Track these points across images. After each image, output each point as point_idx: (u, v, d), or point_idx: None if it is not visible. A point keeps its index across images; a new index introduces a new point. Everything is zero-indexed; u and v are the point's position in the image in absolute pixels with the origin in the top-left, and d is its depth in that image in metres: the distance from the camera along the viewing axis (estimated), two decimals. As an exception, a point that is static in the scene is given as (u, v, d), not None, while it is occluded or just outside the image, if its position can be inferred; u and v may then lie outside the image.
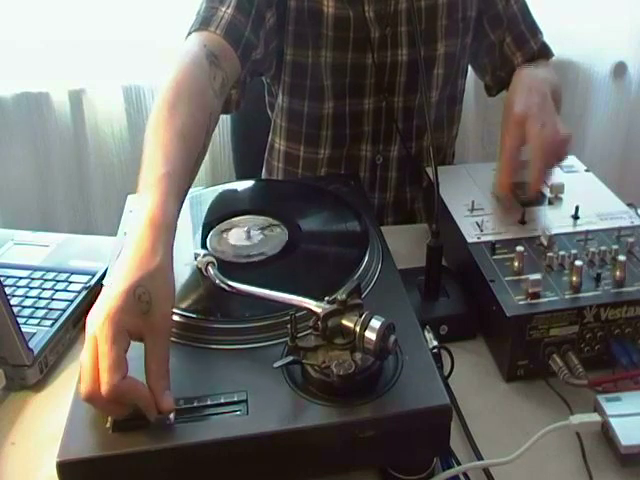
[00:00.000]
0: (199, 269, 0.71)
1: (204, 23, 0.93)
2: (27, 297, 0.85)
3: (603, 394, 0.69)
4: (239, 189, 1.00)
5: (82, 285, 0.87)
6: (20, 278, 0.88)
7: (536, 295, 0.73)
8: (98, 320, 0.57)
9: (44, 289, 0.86)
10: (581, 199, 0.88)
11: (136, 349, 0.58)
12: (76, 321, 0.83)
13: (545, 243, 0.81)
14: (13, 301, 0.83)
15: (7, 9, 1.55)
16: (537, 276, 0.74)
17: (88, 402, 0.57)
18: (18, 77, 1.62)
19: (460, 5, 1.06)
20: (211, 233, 0.81)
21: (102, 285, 0.70)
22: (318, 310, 0.60)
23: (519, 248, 0.78)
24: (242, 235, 0.80)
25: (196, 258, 0.71)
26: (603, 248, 0.79)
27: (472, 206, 0.89)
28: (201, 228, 0.82)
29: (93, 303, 0.60)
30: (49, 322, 0.81)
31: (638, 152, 1.88)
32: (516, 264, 0.78)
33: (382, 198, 1.17)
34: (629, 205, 0.89)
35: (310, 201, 0.89)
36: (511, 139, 0.89)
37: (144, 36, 1.60)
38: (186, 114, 0.77)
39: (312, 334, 0.60)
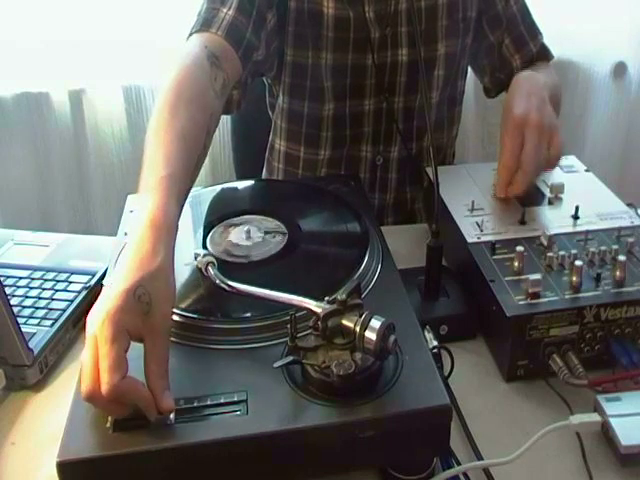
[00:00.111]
0: (199, 269, 0.71)
1: (205, 24, 0.93)
2: (27, 297, 0.85)
3: (603, 394, 0.69)
4: (239, 189, 1.00)
5: (82, 285, 0.87)
6: (20, 278, 0.88)
7: (536, 295, 0.73)
8: (98, 320, 0.57)
9: (44, 289, 0.86)
10: (581, 199, 0.88)
11: (136, 349, 0.58)
12: (76, 321, 0.83)
13: (545, 243, 0.81)
14: (13, 301, 0.83)
15: (7, 9, 1.55)
16: (537, 276, 0.74)
17: (88, 402, 0.57)
18: (18, 77, 1.62)
19: (460, 5, 1.06)
20: (211, 233, 0.81)
21: (102, 285, 0.70)
22: (318, 310, 0.60)
23: (519, 248, 0.78)
24: (242, 235, 0.80)
25: (196, 258, 0.71)
26: (603, 248, 0.79)
27: (472, 206, 0.89)
28: (201, 228, 0.82)
29: (93, 303, 0.60)
30: (49, 322, 0.81)
31: (638, 152, 1.88)
32: (516, 264, 0.78)
33: (382, 199, 1.17)
34: (629, 205, 0.89)
35: (310, 201, 0.89)
36: (511, 141, 0.88)
37: (144, 36, 1.60)
38: (187, 115, 0.77)
39: (312, 334, 0.60)
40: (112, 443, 0.56)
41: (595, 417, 0.67)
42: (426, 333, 0.75)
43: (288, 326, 0.60)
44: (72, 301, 0.84)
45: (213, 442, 0.56)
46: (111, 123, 1.69)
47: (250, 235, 0.79)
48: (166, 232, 0.64)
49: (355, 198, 0.88)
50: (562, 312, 0.72)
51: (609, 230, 0.83)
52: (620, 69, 1.78)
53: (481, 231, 0.85)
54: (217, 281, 0.69)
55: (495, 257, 0.80)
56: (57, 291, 0.86)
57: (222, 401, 0.59)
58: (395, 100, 1.09)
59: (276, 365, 0.60)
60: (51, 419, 0.72)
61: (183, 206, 0.71)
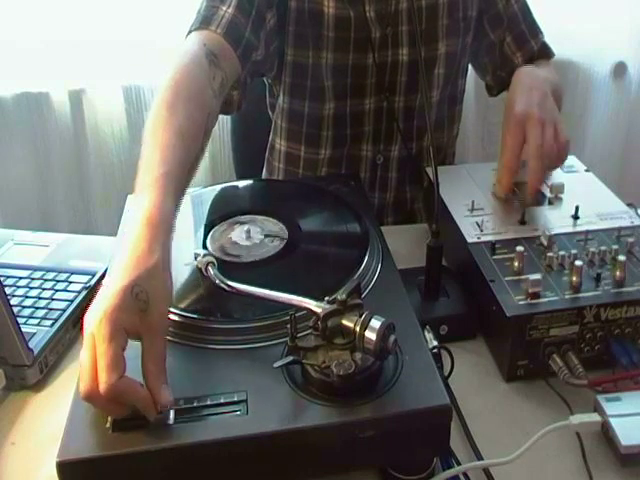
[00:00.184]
0: (199, 269, 0.71)
1: (204, 22, 0.93)
2: (27, 297, 0.85)
3: (603, 394, 0.69)
4: (239, 189, 1.00)
5: (82, 285, 0.87)
6: (20, 278, 0.88)
7: (536, 295, 0.73)
8: (95, 319, 0.57)
9: (44, 289, 0.86)
10: (581, 199, 0.88)
11: (134, 349, 0.58)
12: (76, 321, 0.83)
13: (545, 243, 0.81)
14: (13, 301, 0.83)
15: (7, 9, 1.55)
16: (537, 276, 0.74)
17: (87, 401, 0.57)
18: (18, 77, 1.62)
19: (461, 4, 1.06)
20: (211, 233, 0.81)
21: (102, 285, 0.70)
22: (318, 310, 0.60)
23: (519, 248, 0.78)
24: (242, 235, 0.80)
25: (196, 258, 0.71)
26: (603, 248, 0.79)
27: (472, 206, 0.89)
28: (201, 228, 0.82)
29: (93, 303, 0.60)
30: (49, 322, 0.81)
31: (638, 152, 1.88)
32: (516, 264, 0.78)
33: (382, 198, 1.17)
34: (629, 205, 0.89)
35: (310, 201, 0.89)
36: (512, 139, 0.89)
37: (144, 36, 1.60)
38: (185, 114, 0.77)
39: (312, 334, 0.60)
40: (112, 443, 0.56)
41: (595, 417, 0.67)
42: (426, 333, 0.75)
43: (288, 326, 0.60)
44: (72, 301, 0.84)
45: (213, 442, 0.56)
46: (111, 123, 1.69)
47: (250, 235, 0.79)
48: (162, 230, 0.64)
49: (355, 198, 0.88)
50: (562, 312, 0.72)
51: (609, 230, 0.83)
52: (620, 69, 1.78)
53: (481, 231, 0.85)
54: (217, 281, 0.69)
55: (495, 257, 0.80)
56: (57, 291, 0.86)
57: (222, 401, 0.59)
58: (396, 99, 1.09)
59: (276, 365, 0.60)
60: (51, 419, 0.72)
61: (180, 205, 0.70)
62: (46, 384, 0.78)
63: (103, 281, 0.67)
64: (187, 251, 0.75)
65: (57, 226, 1.73)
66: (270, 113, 1.20)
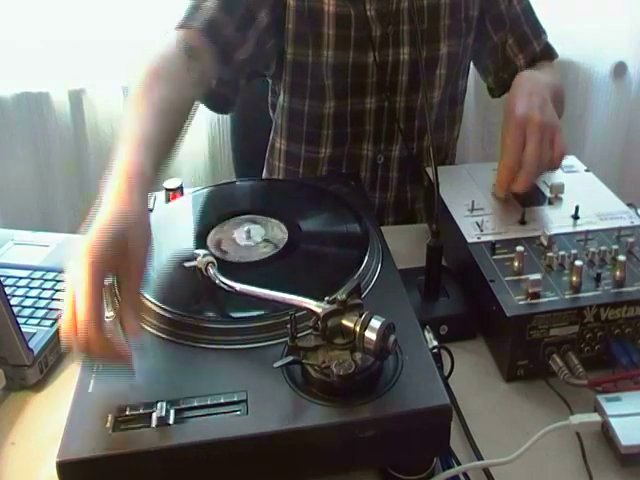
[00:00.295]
0: (199, 269, 0.71)
1: (186, 19, 0.96)
2: (27, 297, 0.85)
3: (603, 394, 0.69)
4: (239, 189, 1.00)
5: (82, 285, 0.87)
6: (20, 278, 0.88)
7: (536, 295, 0.73)
8: (79, 256, 0.60)
9: (44, 289, 0.86)
10: (581, 199, 0.88)
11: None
12: (76, 321, 0.83)
13: (545, 243, 0.81)
14: (13, 301, 0.83)
15: (7, 9, 1.55)
16: (537, 276, 0.74)
17: (67, 342, 0.59)
18: (18, 77, 1.62)
19: (463, 4, 1.06)
20: (211, 233, 0.81)
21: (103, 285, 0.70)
22: (318, 310, 0.60)
23: (519, 248, 0.78)
24: (242, 235, 0.80)
25: (196, 258, 0.71)
26: (603, 248, 0.79)
27: (472, 206, 0.89)
28: (201, 228, 0.82)
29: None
30: (49, 322, 0.81)
31: (638, 152, 1.88)
32: (516, 264, 0.78)
33: (383, 198, 1.17)
34: (629, 205, 0.89)
35: (310, 201, 0.89)
36: (512, 141, 0.88)
37: (144, 36, 1.60)
38: (163, 92, 0.82)
39: (312, 334, 0.60)
40: (112, 443, 0.56)
41: (595, 417, 0.67)
42: (426, 333, 0.75)
43: (288, 326, 0.60)
44: (72, 301, 0.84)
45: (213, 442, 0.56)
46: (111, 123, 1.69)
47: (250, 235, 0.79)
48: (141, 181, 0.68)
49: (355, 198, 0.88)
50: (562, 312, 0.72)
51: (609, 230, 0.83)
52: (620, 69, 1.78)
53: (481, 231, 0.85)
54: (217, 281, 0.69)
55: (495, 257, 0.80)
56: (57, 291, 0.86)
57: (222, 401, 0.59)
58: (397, 99, 1.09)
59: (276, 365, 0.60)
60: (51, 419, 0.72)
61: (162, 171, 0.74)
62: (46, 384, 0.78)
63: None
64: (187, 251, 0.75)
65: (57, 226, 1.72)
66: (271, 113, 1.20)
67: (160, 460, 0.56)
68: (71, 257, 0.61)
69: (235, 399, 0.59)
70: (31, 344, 0.76)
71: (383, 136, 1.12)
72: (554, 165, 0.90)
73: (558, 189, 0.91)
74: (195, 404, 0.58)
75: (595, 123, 1.84)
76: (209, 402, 0.58)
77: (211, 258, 0.71)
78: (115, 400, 0.59)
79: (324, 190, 0.90)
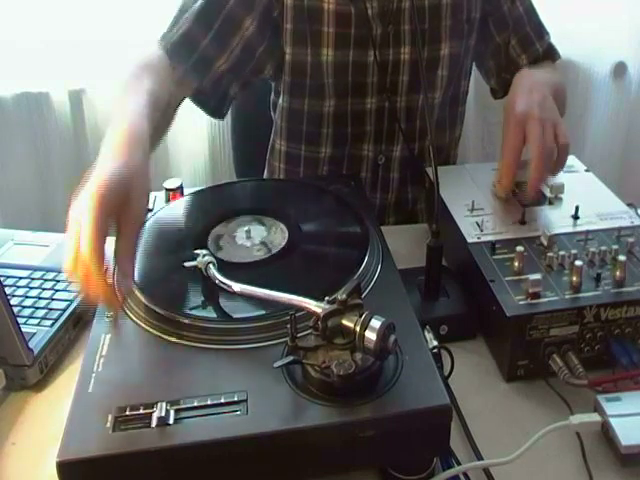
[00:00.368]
0: (199, 269, 0.71)
1: (163, 36, 1.02)
2: (27, 297, 0.85)
3: (603, 394, 0.69)
4: (240, 189, 1.00)
5: (82, 285, 0.87)
6: (20, 278, 0.88)
7: (536, 295, 0.73)
8: (85, 196, 0.65)
9: (44, 289, 0.86)
10: (581, 199, 0.88)
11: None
12: (76, 321, 0.83)
13: (545, 243, 0.81)
14: (13, 301, 0.83)
15: (7, 9, 1.55)
16: (537, 276, 0.74)
17: (68, 274, 0.65)
18: (18, 77, 1.62)
19: (465, 6, 1.06)
20: (211, 233, 0.81)
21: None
22: (318, 310, 0.60)
23: (519, 248, 0.78)
24: (242, 235, 0.80)
25: (196, 258, 0.71)
26: (603, 248, 0.79)
27: (472, 206, 0.89)
28: (201, 228, 0.82)
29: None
30: (49, 322, 0.81)
31: (638, 152, 1.88)
32: (516, 264, 0.78)
33: (383, 198, 1.17)
34: (629, 205, 0.89)
35: (310, 201, 0.89)
36: (512, 139, 0.88)
37: (144, 36, 1.59)
38: (151, 82, 0.90)
39: (312, 334, 0.60)
40: (112, 443, 0.56)
41: (595, 417, 0.67)
42: (426, 333, 0.75)
43: (288, 326, 0.60)
44: (72, 301, 0.84)
45: (213, 442, 0.56)
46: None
47: (250, 235, 0.79)
48: (142, 141, 0.75)
49: (355, 198, 0.88)
50: (562, 312, 0.72)
51: (609, 230, 0.83)
52: (620, 69, 1.78)
53: (481, 231, 0.85)
54: (217, 281, 0.69)
55: (495, 257, 0.80)
56: (57, 291, 0.86)
57: (222, 401, 0.59)
58: (397, 99, 1.09)
59: (276, 365, 0.60)
60: (51, 419, 0.72)
61: (150, 151, 0.78)
62: (46, 384, 0.78)
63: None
64: (187, 251, 0.75)
65: (57, 226, 1.71)
66: (272, 113, 1.20)
67: (160, 460, 0.56)
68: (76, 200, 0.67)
69: (235, 399, 0.59)
70: (31, 344, 0.76)
71: (384, 136, 1.12)
72: (560, 159, 0.90)
73: (558, 189, 0.91)
74: (195, 404, 0.58)
75: (595, 123, 1.84)
76: (209, 402, 0.58)
77: (211, 258, 0.71)
78: (115, 400, 0.59)
79: (324, 190, 0.90)
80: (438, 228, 0.79)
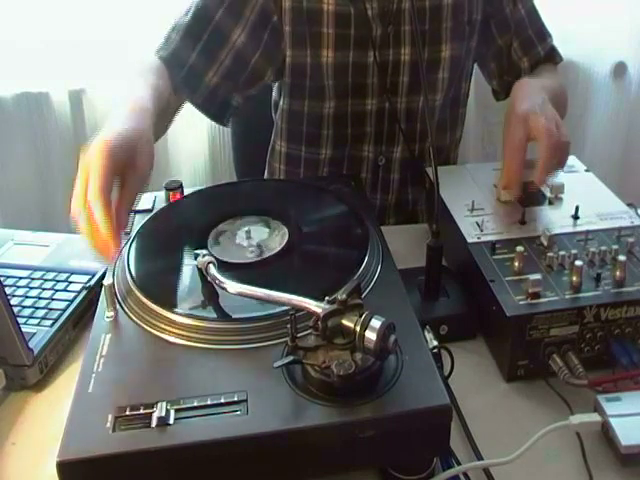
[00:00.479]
0: (199, 269, 0.71)
1: (156, 52, 1.04)
2: (27, 297, 0.85)
3: (603, 394, 0.69)
4: (240, 189, 1.00)
5: (82, 285, 0.87)
6: (20, 278, 0.88)
7: (536, 295, 0.73)
8: (93, 148, 0.72)
9: (44, 289, 0.86)
10: (581, 199, 0.88)
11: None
12: (76, 321, 0.83)
13: (545, 243, 0.81)
14: (13, 301, 0.83)
15: (7, 9, 1.55)
16: (537, 276, 0.74)
17: (75, 214, 0.70)
18: (18, 77, 1.62)
19: (466, 8, 1.05)
20: (211, 233, 0.81)
21: (102, 285, 0.70)
22: (318, 310, 0.60)
23: (519, 248, 0.78)
24: (242, 235, 0.80)
25: (196, 258, 0.71)
26: (603, 248, 0.79)
27: (472, 206, 0.89)
28: (201, 228, 0.82)
29: (93, 303, 0.61)
30: (49, 322, 0.81)
31: (638, 152, 1.88)
32: (516, 264, 0.78)
33: (384, 199, 1.17)
34: (629, 205, 0.89)
35: (310, 201, 0.89)
36: (515, 134, 0.88)
37: (144, 36, 1.59)
38: (154, 78, 0.96)
39: (312, 334, 0.60)
40: (112, 443, 0.56)
41: (595, 417, 0.67)
42: (426, 333, 0.75)
43: (288, 326, 0.60)
44: (72, 301, 0.84)
45: (213, 442, 0.56)
46: (111, 123, 1.68)
47: (250, 235, 0.79)
48: (147, 111, 0.83)
49: (355, 198, 0.88)
50: (562, 312, 0.72)
51: (609, 230, 0.83)
52: (620, 69, 1.78)
53: (481, 231, 0.85)
54: (217, 281, 0.69)
55: (495, 257, 0.80)
56: (57, 291, 0.86)
57: (222, 401, 0.59)
58: (397, 100, 1.08)
59: (276, 365, 0.60)
60: (51, 419, 0.72)
61: (155, 126, 0.84)
62: (46, 384, 0.78)
63: (105, 281, 0.70)
64: (187, 251, 0.75)
65: (57, 226, 1.72)
66: (273, 113, 1.20)
67: (160, 460, 0.56)
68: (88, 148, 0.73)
69: (235, 399, 0.59)
70: (31, 344, 0.76)
71: (384, 138, 1.12)
72: (561, 158, 0.88)
73: (558, 189, 0.91)
74: (195, 404, 0.58)
75: (595, 123, 1.84)
76: (209, 402, 0.58)
77: (211, 258, 0.71)
78: (115, 400, 0.59)
79: (324, 190, 0.90)
80: (438, 228, 0.79)
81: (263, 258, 0.76)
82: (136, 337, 0.67)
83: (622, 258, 0.75)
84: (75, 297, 0.85)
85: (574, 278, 0.74)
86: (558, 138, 0.86)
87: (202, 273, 0.70)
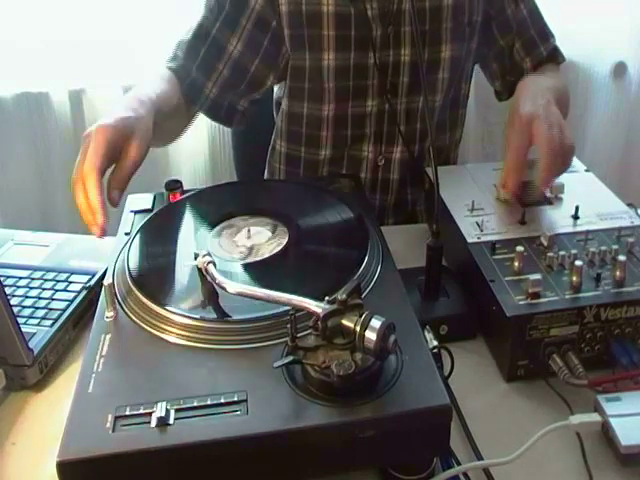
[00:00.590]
0: (199, 269, 0.71)
1: (167, 61, 1.08)
2: (27, 297, 0.85)
3: (603, 394, 0.69)
4: (240, 189, 1.00)
5: (82, 285, 0.87)
6: (20, 278, 0.88)
7: (536, 295, 0.73)
8: (94, 126, 0.79)
9: (44, 289, 0.86)
10: (581, 199, 0.88)
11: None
12: (76, 321, 0.83)
13: (545, 243, 0.81)
14: (13, 301, 0.83)
15: (7, 9, 1.55)
16: (537, 276, 0.74)
17: (74, 185, 0.77)
18: (18, 77, 1.62)
19: (466, 9, 1.05)
20: (211, 233, 0.81)
21: (102, 285, 0.70)
22: (318, 310, 0.60)
23: (519, 248, 0.78)
24: (242, 235, 0.80)
25: (196, 258, 0.71)
26: (603, 248, 0.79)
27: (472, 206, 0.89)
28: (201, 228, 0.82)
29: (93, 303, 0.61)
30: (49, 322, 0.81)
31: (638, 152, 1.88)
32: (516, 264, 0.78)
33: (383, 200, 1.17)
34: (629, 205, 0.89)
35: (310, 201, 0.89)
36: (518, 139, 0.87)
37: (144, 36, 1.60)
38: (164, 82, 1.01)
39: (312, 334, 0.60)
40: (112, 443, 0.56)
41: (595, 417, 0.67)
42: (426, 333, 0.75)
43: (288, 326, 0.60)
44: (72, 301, 0.84)
45: (213, 442, 0.56)
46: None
47: (250, 235, 0.79)
48: (150, 106, 0.88)
49: (355, 198, 0.88)
50: (562, 312, 0.72)
51: (609, 230, 0.83)
52: (620, 69, 1.78)
53: (481, 231, 0.85)
54: (217, 281, 0.69)
55: (495, 257, 0.80)
56: (57, 291, 0.86)
57: (222, 401, 0.59)
58: (397, 101, 1.08)
59: (276, 365, 0.60)
60: (51, 419, 0.72)
61: (160, 126, 0.90)
62: (46, 384, 0.78)
63: (105, 281, 0.70)
64: (187, 251, 0.75)
65: (57, 226, 1.72)
66: (275, 114, 1.20)
67: (160, 460, 0.56)
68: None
69: (235, 399, 0.59)
70: (31, 344, 0.76)
71: (384, 138, 1.11)
72: (565, 161, 0.88)
73: (558, 189, 0.91)
74: (195, 404, 0.58)
75: (595, 123, 1.84)
76: (209, 402, 0.58)
77: (211, 258, 0.71)
78: (115, 400, 0.59)
79: (324, 190, 0.90)
80: (438, 228, 0.79)
81: (263, 258, 0.76)
82: (136, 337, 0.67)
83: (622, 258, 0.75)
84: (75, 297, 0.85)
85: (574, 278, 0.74)
86: (560, 145, 0.86)
87: (202, 273, 0.70)
